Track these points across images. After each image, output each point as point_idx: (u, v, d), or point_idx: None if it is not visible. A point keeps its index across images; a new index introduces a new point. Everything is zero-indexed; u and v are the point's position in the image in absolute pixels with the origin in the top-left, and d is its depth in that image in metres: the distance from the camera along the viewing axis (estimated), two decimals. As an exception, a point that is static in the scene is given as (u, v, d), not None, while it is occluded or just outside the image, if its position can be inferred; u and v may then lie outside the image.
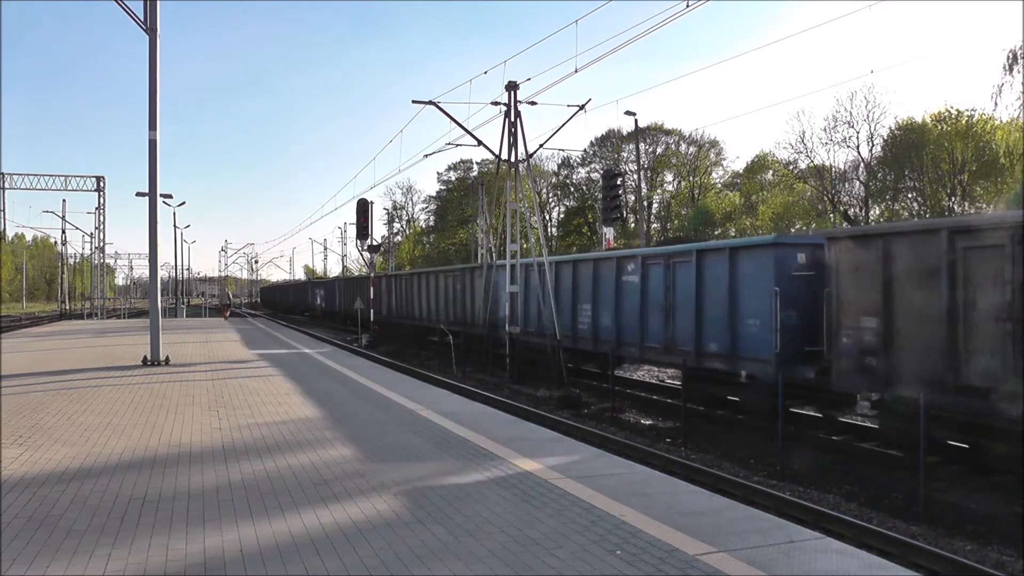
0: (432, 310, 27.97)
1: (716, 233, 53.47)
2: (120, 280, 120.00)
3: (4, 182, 46.90)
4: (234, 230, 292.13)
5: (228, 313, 47.07)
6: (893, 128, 44.73)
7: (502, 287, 21.29)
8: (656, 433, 13.52)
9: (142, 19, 15.87)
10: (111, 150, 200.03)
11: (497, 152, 21.05)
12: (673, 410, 14.53)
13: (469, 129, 21.37)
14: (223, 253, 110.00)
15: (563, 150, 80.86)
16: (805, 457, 11.12)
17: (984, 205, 40.18)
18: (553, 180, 69.61)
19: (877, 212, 46.51)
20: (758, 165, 57.50)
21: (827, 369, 11.41)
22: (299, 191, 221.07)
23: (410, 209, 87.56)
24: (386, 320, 34.06)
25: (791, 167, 51.22)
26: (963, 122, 41.33)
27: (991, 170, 40.04)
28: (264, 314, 68.50)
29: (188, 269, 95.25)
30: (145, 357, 16.31)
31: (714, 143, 61.70)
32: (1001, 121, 38.28)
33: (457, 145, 23.63)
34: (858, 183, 47.43)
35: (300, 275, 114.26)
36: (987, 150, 40.27)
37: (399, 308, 32.58)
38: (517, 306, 20.20)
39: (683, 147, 62.31)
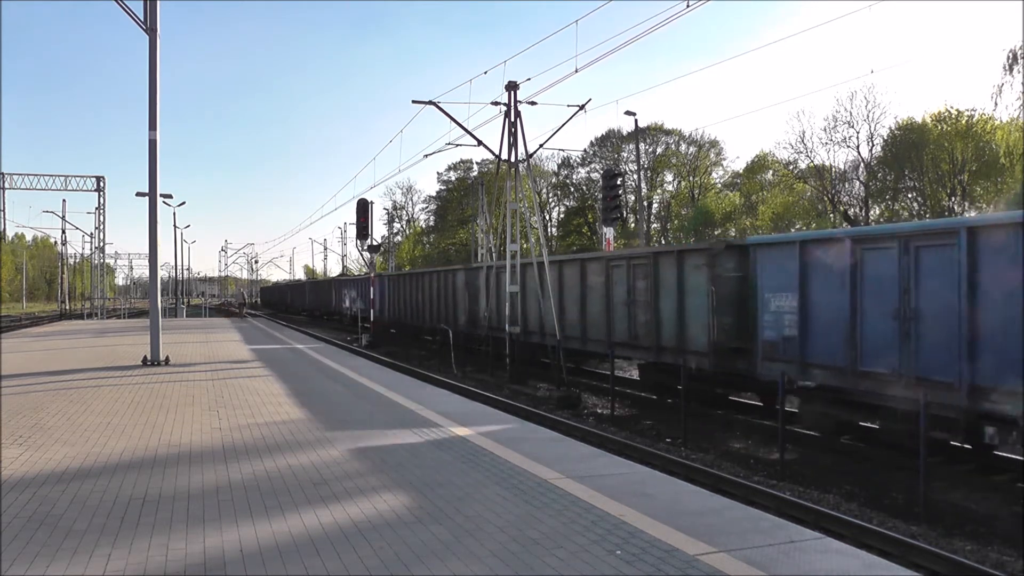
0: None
1: (716, 233, 53.51)
2: (120, 280, 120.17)
3: (4, 182, 46.95)
4: (234, 230, 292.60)
5: (244, 312, 49.65)
6: (893, 128, 44.84)
7: (614, 287, 15.95)
8: (656, 433, 13.50)
9: (142, 19, 15.87)
10: (111, 150, 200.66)
11: (497, 152, 21.05)
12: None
13: (469, 129, 21.37)
14: (223, 253, 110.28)
15: (563, 150, 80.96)
16: (805, 457, 11.13)
17: (984, 205, 40.21)
18: (553, 180, 69.67)
19: (877, 212, 46.53)
20: (758, 165, 57.54)
21: None
22: (299, 191, 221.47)
23: (410, 209, 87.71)
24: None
25: (791, 167, 51.26)
26: (963, 122, 41.36)
27: (991, 170, 40.08)
28: (265, 314, 68.35)
29: (188, 269, 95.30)
30: (145, 357, 16.31)
31: (714, 143, 61.81)
32: (1001, 121, 38.33)
33: (457, 145, 23.63)
34: (858, 183, 47.48)
35: (300, 275, 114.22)
36: (987, 150, 40.31)
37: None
38: (517, 306, 20.18)
39: (683, 147, 62.40)
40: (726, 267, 13.00)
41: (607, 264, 16.21)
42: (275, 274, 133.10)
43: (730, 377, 12.04)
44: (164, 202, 37.65)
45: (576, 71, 17.87)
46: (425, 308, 28.30)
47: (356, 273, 61.12)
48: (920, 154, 42.06)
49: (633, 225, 51.88)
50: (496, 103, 20.45)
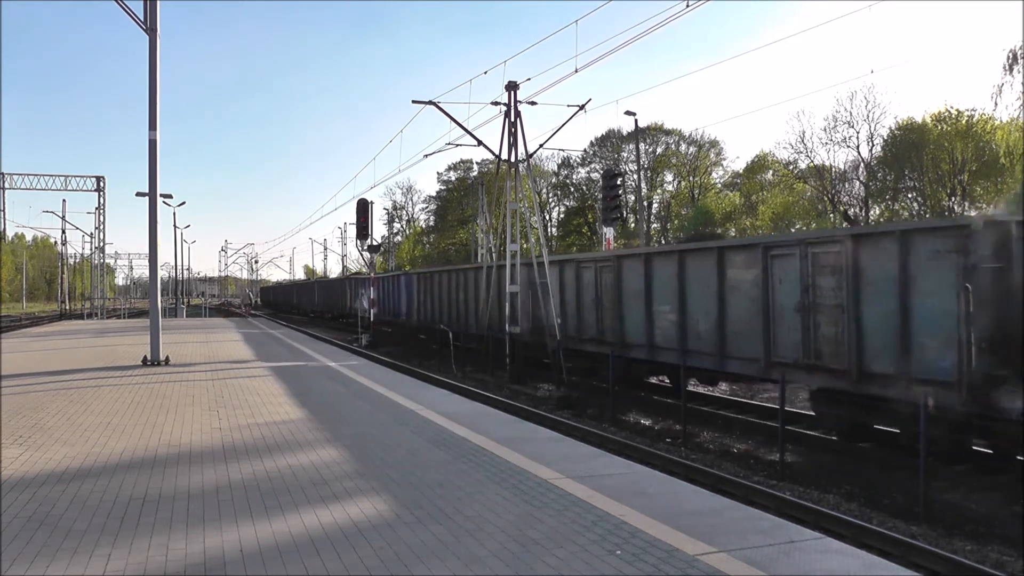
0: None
1: (717, 233, 53.56)
2: (120, 280, 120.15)
3: (4, 182, 46.97)
4: (234, 230, 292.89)
5: (248, 312, 53.36)
6: (893, 128, 44.87)
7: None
8: (655, 433, 13.50)
9: (142, 19, 15.87)
10: (111, 150, 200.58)
11: (497, 152, 21.06)
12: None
13: (469, 129, 21.39)
14: (223, 253, 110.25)
15: (563, 150, 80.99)
16: (805, 457, 11.12)
17: (984, 205, 40.22)
18: (553, 180, 69.67)
19: (877, 212, 46.54)
20: (758, 165, 57.56)
21: None
22: (299, 191, 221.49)
23: (410, 209, 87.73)
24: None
25: (791, 167, 51.28)
26: (963, 122, 41.39)
27: (991, 170, 40.11)
28: (266, 314, 68.26)
29: (188, 269, 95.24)
30: (145, 357, 16.31)
31: (714, 143, 61.83)
32: (1001, 121, 38.33)
33: (457, 145, 23.65)
34: (858, 183, 47.52)
35: (300, 275, 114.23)
36: (987, 150, 40.34)
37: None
38: (517, 306, 20.15)
39: (683, 147, 62.42)
40: (982, 255, 8.89)
41: (765, 254, 11.79)
42: (275, 274, 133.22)
43: (979, 419, 8.66)
44: (164, 202, 37.69)
45: (576, 71, 17.91)
46: (470, 311, 23.78)
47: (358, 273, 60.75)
48: (920, 154, 42.09)
49: (633, 225, 51.88)
50: (496, 103, 20.48)
